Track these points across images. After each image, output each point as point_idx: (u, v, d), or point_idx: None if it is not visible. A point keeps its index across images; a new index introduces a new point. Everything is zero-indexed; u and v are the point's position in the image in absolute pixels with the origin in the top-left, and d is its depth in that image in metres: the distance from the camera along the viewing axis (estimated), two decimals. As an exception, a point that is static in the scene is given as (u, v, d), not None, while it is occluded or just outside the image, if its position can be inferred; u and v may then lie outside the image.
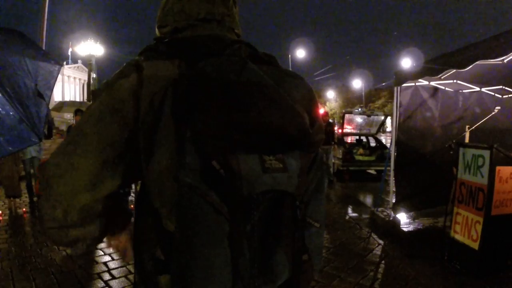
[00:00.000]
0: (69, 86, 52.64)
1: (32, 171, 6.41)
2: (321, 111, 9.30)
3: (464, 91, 5.50)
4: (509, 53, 3.64)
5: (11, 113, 2.63)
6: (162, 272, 0.79)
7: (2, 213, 5.93)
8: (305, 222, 0.81)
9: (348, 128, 11.16)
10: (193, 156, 0.68)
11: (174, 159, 0.72)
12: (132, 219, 0.94)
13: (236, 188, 0.69)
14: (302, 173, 0.79)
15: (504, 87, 5.32)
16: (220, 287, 0.69)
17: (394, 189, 5.19)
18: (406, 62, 24.86)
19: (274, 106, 0.74)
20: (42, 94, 2.78)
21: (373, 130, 10.99)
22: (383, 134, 22.98)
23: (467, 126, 4.39)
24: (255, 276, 0.73)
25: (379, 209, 5.52)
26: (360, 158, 9.68)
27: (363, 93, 45.59)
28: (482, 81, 5.20)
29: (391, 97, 6.72)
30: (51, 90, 3.04)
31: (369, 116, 10.84)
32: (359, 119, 10.93)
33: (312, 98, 0.84)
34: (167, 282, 0.78)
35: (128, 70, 0.81)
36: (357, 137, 11.08)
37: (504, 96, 5.59)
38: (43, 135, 2.84)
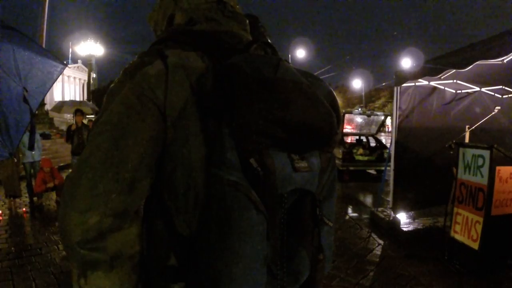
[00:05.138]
0: (69, 86, 52.57)
1: (32, 171, 6.41)
2: None
3: (464, 91, 5.50)
4: (509, 53, 3.64)
5: None
6: (176, 280, 0.73)
7: (2, 213, 5.93)
8: (322, 221, 0.82)
9: (348, 128, 11.16)
10: (233, 153, 0.67)
11: (210, 155, 0.69)
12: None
13: (270, 186, 0.69)
14: (321, 173, 0.80)
15: (504, 87, 5.32)
16: (256, 287, 0.68)
17: (394, 189, 5.19)
18: (406, 62, 24.84)
19: (311, 104, 0.73)
20: (29, 100, 2.54)
21: (373, 130, 10.99)
22: (383, 134, 22.98)
23: (467, 126, 4.39)
24: (285, 277, 0.73)
25: (379, 209, 5.51)
26: (360, 158, 9.67)
27: (363, 93, 45.58)
28: (482, 81, 5.19)
29: (391, 97, 6.71)
30: (45, 93, 2.79)
31: (369, 116, 10.84)
32: (359, 119, 10.93)
33: (334, 98, 0.84)
34: None
35: (151, 58, 0.76)
36: (357, 137, 11.08)
37: (504, 96, 5.59)
38: (15, 149, 2.55)
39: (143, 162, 0.70)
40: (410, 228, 4.88)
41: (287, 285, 0.74)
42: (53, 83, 2.89)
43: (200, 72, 0.75)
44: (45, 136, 12.42)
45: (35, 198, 6.31)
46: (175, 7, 0.90)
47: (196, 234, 0.71)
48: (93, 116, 14.40)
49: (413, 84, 5.08)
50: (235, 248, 0.66)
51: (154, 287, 0.75)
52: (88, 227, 0.65)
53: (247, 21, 0.94)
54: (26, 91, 2.59)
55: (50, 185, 6.11)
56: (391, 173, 5.09)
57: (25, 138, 4.47)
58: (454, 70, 4.26)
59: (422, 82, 5.10)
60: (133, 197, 0.69)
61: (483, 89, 5.48)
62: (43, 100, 2.83)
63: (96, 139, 0.70)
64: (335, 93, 0.87)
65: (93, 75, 30.17)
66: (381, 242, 4.51)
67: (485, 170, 3.35)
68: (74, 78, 54.48)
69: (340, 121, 0.82)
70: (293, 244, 0.75)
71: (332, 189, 0.85)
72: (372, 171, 10.25)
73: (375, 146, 10.53)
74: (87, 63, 34.06)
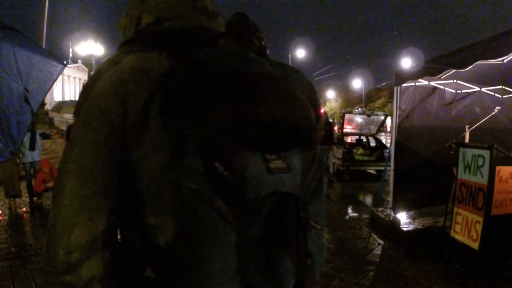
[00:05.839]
0: (69, 86, 52.57)
1: (32, 171, 6.41)
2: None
3: (464, 91, 5.50)
4: (509, 53, 3.64)
5: None
6: None
7: (2, 213, 5.93)
8: (308, 224, 0.75)
9: (348, 128, 11.17)
10: (194, 157, 0.61)
11: (171, 160, 0.65)
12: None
13: (240, 191, 0.62)
14: (304, 172, 0.72)
15: (504, 87, 5.32)
16: None
17: (394, 189, 5.19)
18: (406, 62, 24.82)
19: (284, 99, 0.67)
20: (30, 100, 2.56)
21: (373, 130, 11.00)
22: (383, 134, 22.96)
23: (467, 126, 4.39)
24: (264, 285, 0.68)
25: (379, 209, 5.51)
26: (360, 158, 9.68)
27: (363, 93, 45.57)
28: (482, 81, 5.19)
29: (391, 97, 6.71)
30: (46, 93, 2.81)
31: (369, 116, 10.85)
32: (359, 119, 10.94)
33: (314, 92, 0.78)
34: None
35: (107, 67, 0.74)
36: (357, 137, 11.08)
37: (504, 96, 5.59)
38: (18, 148, 2.57)
39: (100, 188, 0.69)
40: (410, 228, 4.88)
41: None
42: (53, 83, 2.89)
43: (163, 73, 0.70)
44: (45, 136, 12.41)
45: (35, 198, 6.31)
46: (142, 8, 0.85)
47: (171, 244, 0.67)
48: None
49: (413, 84, 5.08)
50: (201, 262, 0.61)
51: None
52: (59, 261, 0.67)
53: (219, 15, 0.90)
54: (27, 91, 2.59)
55: (50, 184, 6.11)
56: (391, 173, 5.09)
57: (26, 138, 4.49)
58: (454, 70, 4.26)
59: (422, 82, 5.10)
60: (94, 225, 0.68)
61: (483, 89, 5.48)
62: (43, 100, 2.83)
63: (60, 175, 0.71)
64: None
65: (93, 75, 30.11)
66: (381, 242, 4.51)
67: (485, 170, 3.35)
68: (74, 78, 54.48)
69: (320, 116, 0.75)
70: (275, 251, 0.68)
71: (319, 189, 0.79)
72: (372, 171, 10.25)
73: (375, 146, 10.53)
74: (87, 63, 34.11)
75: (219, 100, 0.62)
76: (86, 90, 0.73)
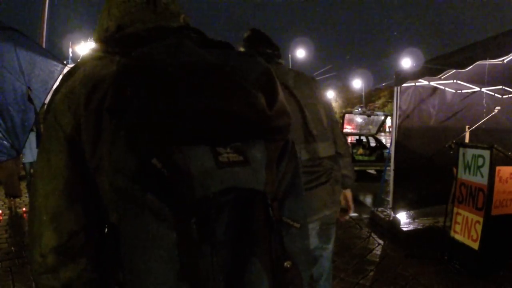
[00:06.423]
0: (69, 86, 52.57)
1: (32, 171, 6.41)
2: None
3: (464, 91, 5.50)
4: (509, 53, 3.64)
5: None
6: None
7: (2, 212, 5.94)
8: (282, 223, 0.70)
9: (348, 128, 11.16)
10: (126, 155, 0.58)
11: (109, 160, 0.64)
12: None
13: (186, 188, 0.57)
14: (270, 166, 0.66)
15: (504, 87, 5.32)
16: None
17: (394, 189, 5.19)
18: (406, 62, 24.87)
19: (216, 87, 0.63)
20: (33, 99, 2.61)
21: (373, 130, 11.00)
22: (383, 134, 22.97)
23: (467, 126, 4.39)
24: None
25: (379, 209, 5.51)
26: (360, 158, 9.68)
27: (363, 93, 45.58)
28: (482, 81, 5.18)
29: (391, 97, 6.71)
30: (48, 92, 2.85)
31: (369, 116, 10.85)
32: (359, 119, 10.94)
33: (271, 78, 0.71)
34: None
35: (62, 81, 0.78)
36: (357, 137, 11.08)
37: (504, 96, 5.59)
38: (23, 146, 2.62)
39: (62, 194, 0.71)
40: (410, 228, 4.88)
41: None
42: (55, 82, 2.93)
43: (110, 76, 0.69)
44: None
45: (35, 198, 6.31)
46: (109, 18, 0.89)
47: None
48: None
49: (413, 84, 5.08)
50: (139, 265, 0.58)
51: None
52: (37, 262, 0.71)
53: (181, 14, 0.91)
54: (30, 90, 2.64)
55: (50, 185, 6.11)
56: (391, 173, 5.09)
57: (32, 137, 4.51)
58: (454, 70, 4.26)
59: (422, 82, 5.10)
60: (59, 231, 0.70)
61: (483, 89, 5.48)
62: (45, 99, 2.87)
63: (34, 179, 0.76)
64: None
65: (93, 75, 30.04)
66: (381, 242, 4.51)
67: (485, 170, 3.35)
68: (74, 78, 54.42)
69: (275, 102, 0.68)
70: (242, 254, 0.63)
71: (295, 184, 0.73)
72: (372, 171, 10.24)
73: (375, 146, 10.54)
74: (87, 63, 33.98)
75: (150, 94, 0.59)
76: (49, 101, 0.78)
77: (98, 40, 0.89)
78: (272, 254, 0.66)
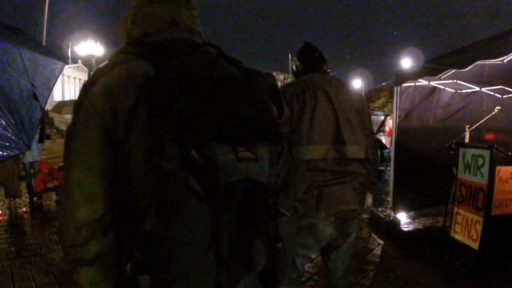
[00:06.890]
0: (69, 86, 52.50)
1: (32, 171, 6.41)
2: None
3: (463, 91, 5.50)
4: (509, 53, 3.64)
5: None
6: (142, 272, 0.80)
7: (2, 213, 5.94)
8: (278, 211, 0.84)
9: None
10: (172, 146, 0.72)
11: (153, 149, 0.75)
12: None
13: (213, 176, 0.72)
14: (271, 164, 0.83)
15: (504, 87, 5.32)
16: (205, 276, 0.72)
17: (394, 189, 5.19)
18: (406, 62, 24.85)
19: (244, 96, 0.77)
20: (38, 96, 2.69)
21: (373, 130, 10.97)
22: (382, 134, 22.97)
23: (467, 126, 4.39)
24: (236, 264, 0.76)
25: (379, 209, 5.51)
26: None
27: (363, 93, 45.50)
28: (482, 81, 5.19)
29: (391, 97, 6.71)
30: (51, 90, 2.94)
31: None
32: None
33: (278, 91, 0.87)
34: (147, 282, 0.79)
35: (102, 73, 0.86)
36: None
37: (504, 96, 5.59)
38: (32, 142, 2.69)
39: (96, 175, 0.81)
40: (410, 228, 4.88)
41: (237, 271, 0.77)
42: (56, 79, 3.00)
43: (147, 79, 0.81)
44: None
45: (35, 198, 6.32)
46: (133, 25, 0.98)
47: (153, 223, 0.76)
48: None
49: (413, 84, 5.08)
50: (179, 236, 0.70)
51: (125, 279, 0.85)
52: (70, 236, 0.81)
53: (197, 31, 1.02)
54: (35, 87, 2.71)
55: (50, 185, 6.11)
56: (391, 173, 5.09)
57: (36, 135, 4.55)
58: (454, 70, 4.26)
59: (422, 82, 5.10)
60: (94, 208, 0.81)
61: (483, 89, 5.48)
62: (49, 96, 2.93)
63: (66, 165, 0.85)
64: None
65: (93, 75, 30.07)
66: (381, 242, 4.51)
67: (485, 170, 3.35)
68: (74, 78, 54.47)
69: (283, 113, 0.83)
70: (247, 233, 0.77)
71: (287, 181, 0.90)
72: (372, 171, 10.22)
73: (375, 146, 10.51)
74: (87, 63, 34.11)
75: (189, 98, 0.73)
76: (85, 91, 0.85)
77: (124, 41, 0.99)
78: (269, 235, 0.81)
